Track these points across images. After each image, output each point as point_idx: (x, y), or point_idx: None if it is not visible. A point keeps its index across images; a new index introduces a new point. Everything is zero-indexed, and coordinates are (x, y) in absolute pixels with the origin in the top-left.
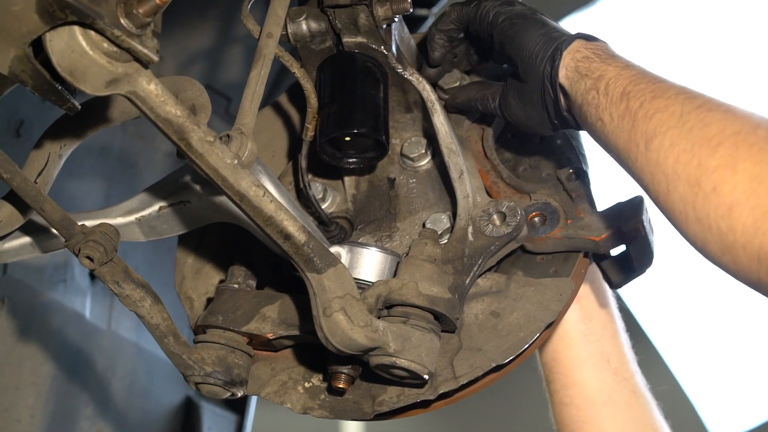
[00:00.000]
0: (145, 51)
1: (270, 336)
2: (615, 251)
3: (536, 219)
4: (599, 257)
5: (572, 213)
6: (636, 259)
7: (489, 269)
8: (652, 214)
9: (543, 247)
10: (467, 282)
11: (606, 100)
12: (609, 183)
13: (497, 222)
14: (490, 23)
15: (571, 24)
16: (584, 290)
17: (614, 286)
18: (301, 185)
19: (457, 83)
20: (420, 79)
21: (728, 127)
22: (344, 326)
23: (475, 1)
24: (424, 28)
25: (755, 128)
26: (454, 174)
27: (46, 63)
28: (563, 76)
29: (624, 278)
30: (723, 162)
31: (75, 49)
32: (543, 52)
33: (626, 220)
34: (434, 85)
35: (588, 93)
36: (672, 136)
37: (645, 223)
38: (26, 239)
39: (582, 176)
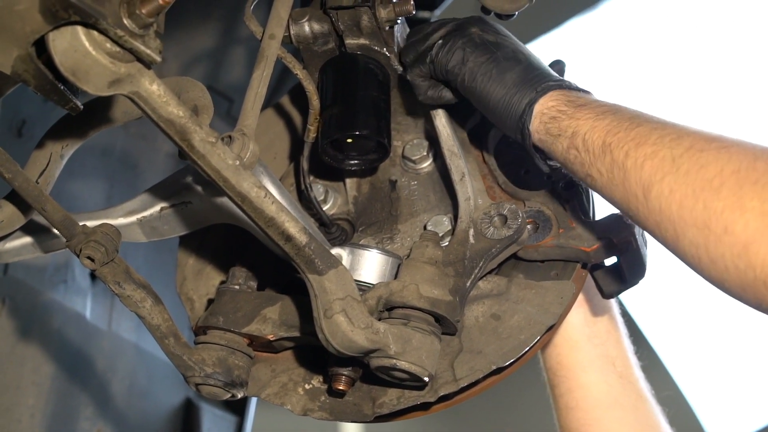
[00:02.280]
0: (148, 51)
1: (271, 337)
2: (608, 261)
3: (529, 226)
4: (592, 266)
5: (564, 222)
6: (627, 271)
7: (490, 272)
8: None
9: (534, 255)
10: (468, 284)
11: (589, 157)
12: None
13: (498, 225)
14: (448, 78)
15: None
16: (587, 294)
17: (606, 296)
18: (303, 187)
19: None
20: None
21: (726, 166)
22: (345, 328)
23: (426, 58)
24: None
25: (753, 162)
26: (455, 176)
27: (49, 63)
28: (537, 140)
29: (615, 289)
30: (729, 203)
31: (78, 49)
32: (510, 121)
33: (618, 232)
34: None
35: (568, 152)
36: (670, 183)
37: (637, 236)
38: (27, 239)
39: (576, 185)
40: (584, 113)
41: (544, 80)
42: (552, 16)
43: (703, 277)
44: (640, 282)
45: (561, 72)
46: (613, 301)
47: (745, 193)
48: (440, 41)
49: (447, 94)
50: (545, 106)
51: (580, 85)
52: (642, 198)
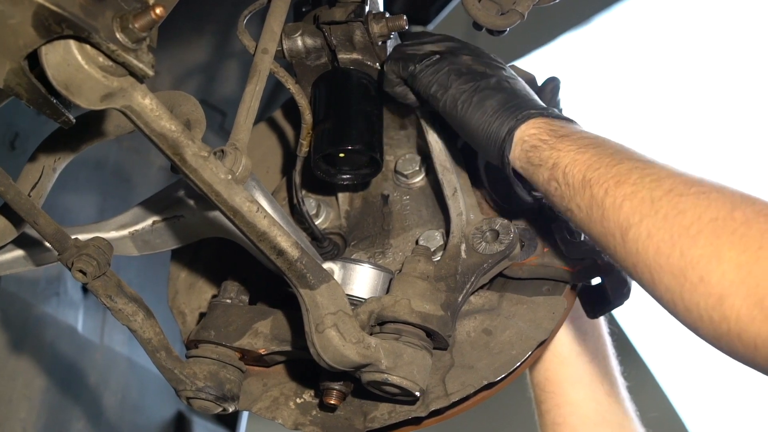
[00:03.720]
0: (141, 65)
1: (262, 351)
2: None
3: None
4: (577, 286)
5: (550, 241)
6: (611, 292)
7: (482, 287)
8: None
9: (519, 272)
10: (460, 299)
11: (569, 190)
12: None
13: (490, 240)
14: (428, 101)
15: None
16: (577, 311)
17: (591, 316)
18: (295, 201)
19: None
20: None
21: (704, 213)
22: (336, 343)
23: (410, 66)
24: None
25: (731, 212)
26: (447, 191)
27: (42, 76)
28: (519, 167)
29: (600, 309)
30: (706, 252)
31: (70, 63)
32: (491, 149)
33: (602, 253)
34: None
35: (549, 184)
36: (648, 227)
37: None
38: (19, 252)
39: None
40: (566, 144)
41: (525, 108)
42: (545, 31)
43: (678, 321)
44: (625, 303)
45: (556, 89)
46: (602, 319)
47: (722, 243)
48: (427, 60)
49: (412, 96)
50: (526, 134)
51: (566, 114)
52: (620, 239)
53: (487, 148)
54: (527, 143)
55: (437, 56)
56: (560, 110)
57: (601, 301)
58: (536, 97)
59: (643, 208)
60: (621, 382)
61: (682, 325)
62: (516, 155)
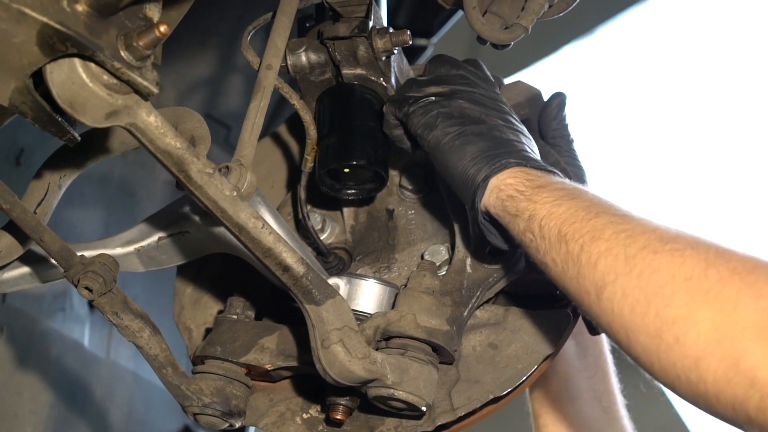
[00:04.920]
0: (145, 83)
1: (268, 367)
2: None
3: None
4: None
5: None
6: None
7: (487, 301)
8: None
9: (519, 288)
10: (465, 314)
11: (545, 244)
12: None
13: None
14: (415, 139)
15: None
16: (579, 327)
17: (592, 332)
18: (300, 216)
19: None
20: None
21: (677, 272)
22: (342, 358)
23: (404, 107)
24: (424, 58)
25: (705, 270)
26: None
27: (46, 95)
28: (495, 215)
29: None
30: (681, 313)
31: (75, 81)
32: (466, 194)
33: None
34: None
35: (524, 235)
36: (623, 285)
37: None
38: (25, 269)
39: None
40: (542, 196)
41: (504, 157)
42: (548, 41)
43: (656, 379)
44: None
45: (561, 105)
46: (603, 336)
47: (696, 302)
48: (423, 101)
49: (407, 143)
50: (503, 183)
51: (547, 166)
52: (595, 297)
53: (462, 193)
54: (503, 192)
55: (432, 98)
56: (566, 125)
57: None
58: (529, 146)
59: (618, 266)
60: (620, 400)
61: (661, 383)
62: (491, 203)
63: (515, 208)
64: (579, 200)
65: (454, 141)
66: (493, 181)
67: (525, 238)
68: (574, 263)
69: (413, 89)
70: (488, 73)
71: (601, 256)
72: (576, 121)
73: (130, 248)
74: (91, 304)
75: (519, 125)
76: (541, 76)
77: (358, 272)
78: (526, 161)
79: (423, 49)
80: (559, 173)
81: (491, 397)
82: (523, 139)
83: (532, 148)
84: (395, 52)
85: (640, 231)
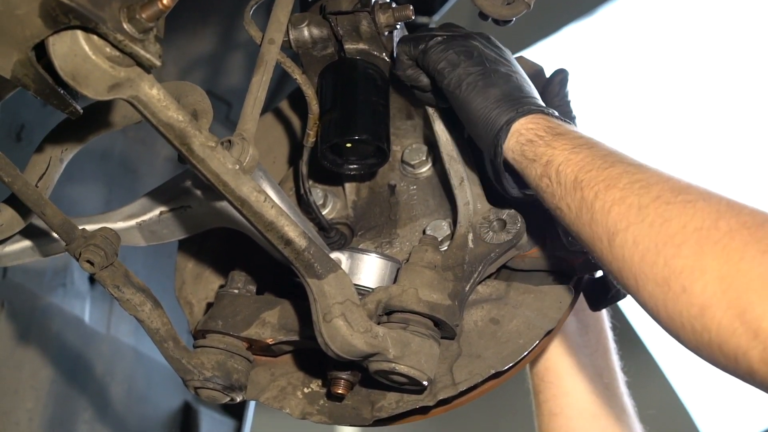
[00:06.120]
0: (148, 56)
1: (270, 341)
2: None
3: None
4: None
5: (552, 232)
6: (614, 285)
7: (489, 276)
8: None
9: (521, 264)
10: (467, 289)
11: (560, 189)
12: None
13: (497, 229)
14: (434, 77)
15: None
16: (580, 303)
17: (593, 308)
18: (302, 191)
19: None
20: None
21: (689, 222)
22: (344, 332)
23: (421, 44)
24: None
25: (716, 221)
26: (454, 181)
27: (49, 67)
28: (511, 159)
29: (602, 302)
30: (689, 262)
31: (78, 54)
32: (486, 135)
33: None
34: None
35: (541, 180)
36: (634, 234)
37: None
38: (27, 243)
39: None
40: (561, 143)
41: (527, 103)
42: (549, 21)
43: (661, 327)
44: (627, 296)
45: (564, 81)
46: (604, 313)
47: (705, 252)
48: (439, 38)
49: (424, 80)
50: (524, 127)
51: (573, 104)
52: (606, 243)
53: (482, 135)
54: (523, 136)
55: (449, 35)
56: (568, 102)
57: (603, 293)
58: (538, 96)
59: (631, 214)
60: (621, 377)
61: (665, 331)
62: (510, 146)
63: (534, 152)
64: (596, 149)
65: (478, 81)
66: (515, 126)
67: (541, 182)
68: (588, 210)
69: (426, 31)
70: (499, 44)
71: (614, 203)
72: (577, 101)
73: (132, 222)
74: (92, 279)
75: (525, 75)
76: (542, 57)
77: (359, 247)
78: (546, 109)
79: (425, 26)
80: (576, 126)
81: (493, 371)
82: (534, 90)
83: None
84: (398, 27)
85: (654, 181)
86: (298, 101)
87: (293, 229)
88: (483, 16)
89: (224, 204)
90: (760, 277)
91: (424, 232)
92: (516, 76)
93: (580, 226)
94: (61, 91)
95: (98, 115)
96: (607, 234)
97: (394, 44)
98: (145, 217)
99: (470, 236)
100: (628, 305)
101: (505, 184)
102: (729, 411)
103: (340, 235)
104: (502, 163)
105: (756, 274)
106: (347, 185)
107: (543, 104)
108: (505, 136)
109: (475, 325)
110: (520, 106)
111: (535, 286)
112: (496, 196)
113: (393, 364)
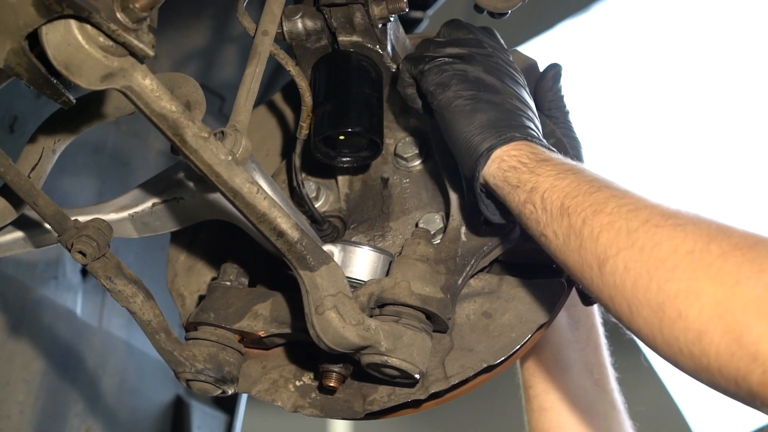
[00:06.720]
0: (141, 46)
1: (261, 334)
2: None
3: None
4: None
5: None
6: None
7: (482, 270)
8: None
9: (514, 258)
10: (460, 282)
11: (546, 216)
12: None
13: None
14: (426, 97)
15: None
16: (571, 299)
17: (585, 303)
18: (295, 184)
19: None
20: None
21: (680, 246)
22: (336, 324)
23: (420, 65)
24: (420, 30)
25: (708, 244)
26: (447, 174)
27: (42, 56)
28: (493, 185)
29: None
30: (684, 286)
31: (71, 43)
32: (467, 161)
33: None
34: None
35: (524, 206)
36: (625, 259)
37: None
38: (19, 234)
39: None
40: (546, 169)
41: (512, 130)
42: (544, 18)
43: (658, 353)
44: None
45: (557, 76)
46: (596, 308)
47: (698, 276)
48: (440, 60)
49: (419, 102)
50: (507, 154)
51: (566, 100)
52: (597, 270)
53: (463, 159)
54: (506, 162)
55: (449, 59)
56: (561, 97)
57: None
58: (535, 124)
59: (620, 239)
60: (611, 373)
61: (662, 358)
62: (492, 172)
63: (517, 179)
64: (581, 175)
65: (465, 105)
66: (497, 152)
67: (525, 209)
68: (576, 236)
69: (431, 49)
70: (502, 42)
71: (603, 229)
72: (571, 98)
73: (124, 214)
74: (83, 272)
75: (529, 100)
76: (536, 54)
77: (352, 240)
78: (532, 137)
79: (419, 21)
80: (558, 154)
81: (485, 365)
82: (532, 116)
83: (538, 126)
84: (392, 19)
85: (643, 205)
86: (292, 94)
87: (286, 220)
88: (478, 8)
89: (217, 195)
90: (756, 299)
91: (416, 225)
92: (509, 104)
93: (567, 254)
94: (54, 81)
95: (91, 105)
96: (597, 261)
97: (388, 37)
98: (138, 209)
99: (463, 229)
100: None
101: (483, 210)
102: (720, 407)
103: (332, 228)
104: (479, 188)
105: (752, 297)
106: (340, 178)
107: (535, 131)
108: (484, 163)
109: (467, 319)
110: (504, 133)
111: (527, 280)
112: None
113: (385, 357)
